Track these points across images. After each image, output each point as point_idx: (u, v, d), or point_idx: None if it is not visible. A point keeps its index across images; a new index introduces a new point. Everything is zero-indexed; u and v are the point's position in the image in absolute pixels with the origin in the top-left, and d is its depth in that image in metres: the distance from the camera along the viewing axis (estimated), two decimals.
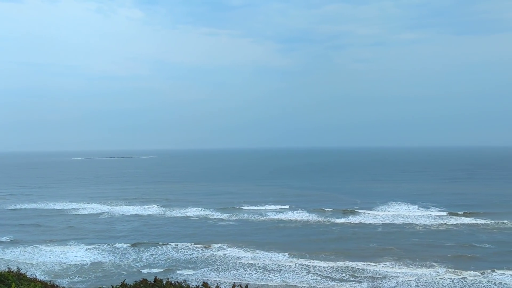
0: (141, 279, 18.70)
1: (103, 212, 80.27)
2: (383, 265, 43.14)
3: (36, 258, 48.59)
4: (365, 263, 44.01)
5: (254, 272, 41.79)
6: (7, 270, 15.59)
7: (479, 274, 40.25)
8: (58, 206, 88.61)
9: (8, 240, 57.75)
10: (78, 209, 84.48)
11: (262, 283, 38.33)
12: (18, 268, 16.86)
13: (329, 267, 42.89)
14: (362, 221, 67.38)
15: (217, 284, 30.51)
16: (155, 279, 18.55)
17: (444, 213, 72.23)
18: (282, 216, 72.15)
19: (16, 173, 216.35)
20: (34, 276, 16.40)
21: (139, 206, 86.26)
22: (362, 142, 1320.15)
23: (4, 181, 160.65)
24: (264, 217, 71.93)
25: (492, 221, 65.03)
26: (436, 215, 70.57)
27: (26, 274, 15.83)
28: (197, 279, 39.16)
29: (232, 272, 42.12)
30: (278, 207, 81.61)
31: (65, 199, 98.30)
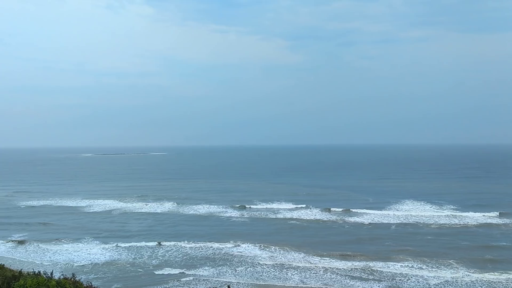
0: None
1: (116, 209, 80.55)
2: (401, 265, 42.76)
3: (49, 256, 48.63)
4: (382, 262, 43.66)
5: (272, 270, 41.59)
6: (62, 277, 15.45)
7: (498, 274, 39.77)
8: (71, 203, 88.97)
9: (21, 238, 57.78)
10: (91, 206, 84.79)
11: (280, 283, 38.12)
12: (73, 274, 16.69)
13: (346, 266, 42.58)
14: (376, 220, 66.94)
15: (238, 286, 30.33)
16: None
17: (458, 212, 71.59)
18: (295, 215, 71.90)
19: (27, 169, 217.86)
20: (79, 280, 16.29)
21: (152, 203, 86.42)
22: (371, 140, 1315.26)
23: (16, 177, 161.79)
24: (277, 215, 71.76)
25: (508, 220, 64.36)
26: (451, 214, 69.91)
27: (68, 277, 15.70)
28: (216, 280, 39.08)
29: (249, 269, 41.93)
30: (290, 205, 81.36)
31: (77, 196, 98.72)
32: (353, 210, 74.27)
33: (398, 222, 64.88)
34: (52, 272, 15.83)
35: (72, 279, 15.57)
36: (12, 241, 55.71)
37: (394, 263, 43.44)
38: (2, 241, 55.42)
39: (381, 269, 41.27)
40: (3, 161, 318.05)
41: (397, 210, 74.36)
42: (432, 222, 64.20)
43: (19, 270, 17.47)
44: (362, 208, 75.96)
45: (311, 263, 43.85)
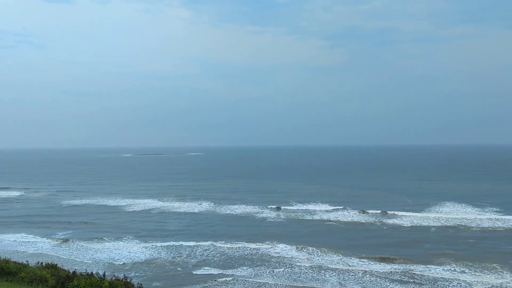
0: None
1: (155, 208, 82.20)
2: (443, 268, 41.70)
3: (91, 254, 49.98)
4: (423, 266, 42.71)
5: (310, 271, 41.44)
6: (114, 278, 15.96)
7: None
8: (111, 202, 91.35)
9: (64, 236, 59.61)
10: (130, 205, 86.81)
11: (318, 285, 37.94)
12: (124, 276, 17.21)
13: (385, 269, 41.92)
14: (415, 222, 65.57)
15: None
16: None
17: (502, 215, 69.18)
18: (332, 216, 71.32)
19: (71, 169, 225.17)
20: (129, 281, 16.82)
21: (189, 203, 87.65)
22: (410, 141, 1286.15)
23: (60, 176, 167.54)
24: (314, 216, 71.38)
25: None
26: (494, 217, 67.64)
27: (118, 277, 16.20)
28: (254, 281, 39.28)
29: (286, 271, 41.93)
30: (327, 206, 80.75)
31: (117, 196, 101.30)
32: (392, 212, 72.92)
33: (439, 224, 63.30)
34: (104, 273, 16.35)
35: (124, 280, 16.00)
36: (56, 239, 57.71)
37: (436, 266, 42.42)
38: (47, 239, 57.52)
39: (422, 273, 40.39)
40: (49, 161, 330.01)
41: (437, 212, 72.61)
42: (474, 225, 62.34)
43: (73, 270, 18.08)
44: (401, 210, 74.46)
45: (349, 265, 43.41)
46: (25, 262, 17.58)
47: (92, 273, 16.45)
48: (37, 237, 59.10)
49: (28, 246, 53.71)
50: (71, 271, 18.80)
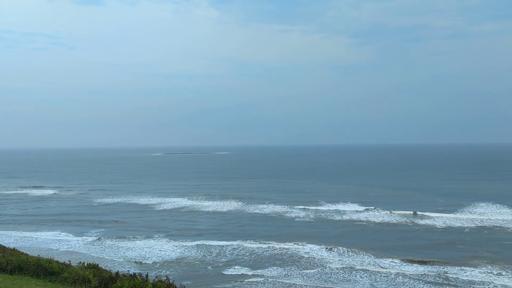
0: None
1: (184, 207, 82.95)
2: (479, 271, 40.53)
3: (122, 252, 50.68)
4: (458, 267, 41.62)
5: (341, 272, 40.93)
6: (156, 280, 16.04)
7: None
8: (142, 201, 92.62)
9: (96, 235, 60.73)
10: (160, 204, 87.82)
11: (349, 286, 37.42)
12: (167, 277, 17.28)
13: (418, 271, 41.02)
14: (448, 223, 64.04)
15: None
16: None
17: None
18: (362, 216, 70.38)
19: (102, 168, 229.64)
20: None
21: (218, 202, 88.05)
22: (440, 139, 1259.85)
23: (91, 175, 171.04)
24: (343, 217, 70.60)
25: None
26: None
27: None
28: (284, 281, 39.05)
29: (317, 271, 41.53)
30: (357, 206, 79.79)
31: (147, 194, 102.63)
32: (423, 213, 71.45)
33: (473, 226, 61.62)
34: (147, 274, 16.39)
35: (167, 281, 16.03)
36: (88, 237, 58.81)
37: (471, 269, 41.26)
38: (79, 237, 58.66)
39: (457, 276, 39.35)
40: (80, 160, 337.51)
41: (471, 213, 70.76)
42: (510, 226, 60.47)
43: (116, 271, 18.16)
44: (433, 211, 72.95)
45: (381, 266, 42.70)
46: (67, 261, 17.69)
47: (134, 274, 16.50)
48: (69, 235, 60.42)
49: (61, 244, 54.91)
50: (113, 271, 18.98)
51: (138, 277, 15.56)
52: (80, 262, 18.71)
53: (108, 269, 22.05)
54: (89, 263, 18.56)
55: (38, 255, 24.82)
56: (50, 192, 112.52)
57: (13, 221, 71.67)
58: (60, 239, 57.70)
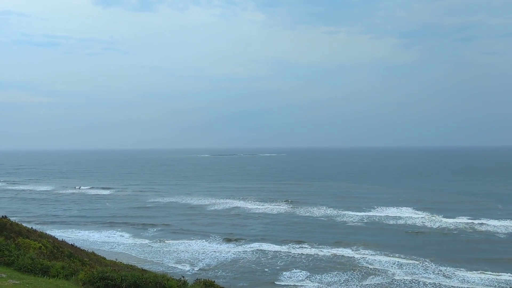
0: None
1: (235, 208, 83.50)
2: None
3: (176, 254, 51.00)
4: None
5: (403, 279, 39.59)
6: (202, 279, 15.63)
7: None
8: (193, 201, 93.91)
9: (149, 235, 61.40)
10: (212, 204, 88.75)
11: None
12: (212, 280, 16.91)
13: (488, 282, 39.01)
14: (510, 229, 60.94)
15: None
16: None
17: None
18: (418, 221, 68.03)
19: (152, 169, 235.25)
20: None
21: (267, 204, 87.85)
22: (496, 141, 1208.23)
23: (142, 176, 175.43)
24: (398, 221, 68.57)
25: None
26: None
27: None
28: None
29: (377, 279, 40.37)
30: (412, 211, 77.18)
31: (198, 195, 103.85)
32: (482, 218, 68.13)
33: None
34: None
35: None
36: (142, 238, 59.33)
37: None
38: (133, 239, 59.23)
39: None
40: (131, 161, 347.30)
41: None
42: None
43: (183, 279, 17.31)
44: (493, 218, 69.42)
45: (445, 276, 40.97)
46: (182, 278, 16.67)
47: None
48: (123, 235, 61.38)
49: (113, 245, 55.43)
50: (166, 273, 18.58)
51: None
52: (197, 279, 18.31)
53: (162, 271, 21.65)
54: (205, 279, 18.11)
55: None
56: (105, 192, 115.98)
57: (68, 221, 73.53)
58: (111, 241, 57.79)
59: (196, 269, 44.51)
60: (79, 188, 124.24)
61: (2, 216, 16.97)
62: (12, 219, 21.63)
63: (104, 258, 21.42)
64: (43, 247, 14.45)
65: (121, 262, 25.53)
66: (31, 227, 19.31)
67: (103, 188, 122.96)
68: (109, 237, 60.39)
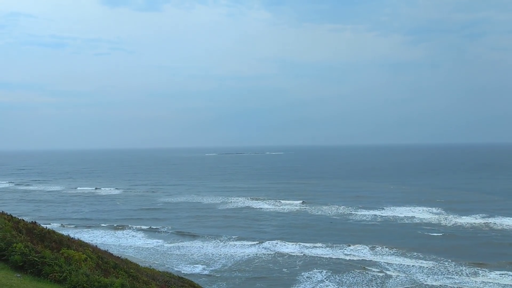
0: None
1: (246, 207, 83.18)
2: None
3: (190, 254, 50.60)
4: None
5: (425, 281, 38.83)
6: None
7: None
8: (204, 200, 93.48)
9: (161, 235, 61.18)
10: (223, 203, 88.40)
11: None
12: None
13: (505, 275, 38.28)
14: None
15: None
16: None
17: None
18: (433, 220, 67.30)
19: (161, 168, 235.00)
20: None
21: (278, 202, 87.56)
22: (505, 138, 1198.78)
23: (150, 175, 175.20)
24: (414, 220, 67.87)
25: None
26: None
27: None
28: None
29: (399, 278, 39.63)
30: (425, 209, 76.42)
31: (210, 194, 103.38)
32: (498, 217, 67.25)
33: None
34: None
35: None
36: (156, 239, 58.98)
37: None
38: (146, 240, 59.01)
39: None
40: (141, 161, 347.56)
41: None
42: None
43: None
44: (509, 215, 68.48)
45: (468, 275, 40.19)
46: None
47: None
48: (136, 236, 60.71)
49: (128, 248, 54.35)
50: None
51: None
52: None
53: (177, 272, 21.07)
54: None
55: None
56: (115, 192, 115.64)
57: (80, 224, 72.43)
58: (126, 244, 56.92)
59: (212, 269, 43.95)
60: (95, 188, 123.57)
61: (32, 221, 16.21)
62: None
63: (137, 265, 20.73)
64: (88, 258, 13.57)
65: (158, 270, 24.98)
66: (68, 234, 18.52)
67: (115, 188, 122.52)
68: (124, 239, 59.84)
